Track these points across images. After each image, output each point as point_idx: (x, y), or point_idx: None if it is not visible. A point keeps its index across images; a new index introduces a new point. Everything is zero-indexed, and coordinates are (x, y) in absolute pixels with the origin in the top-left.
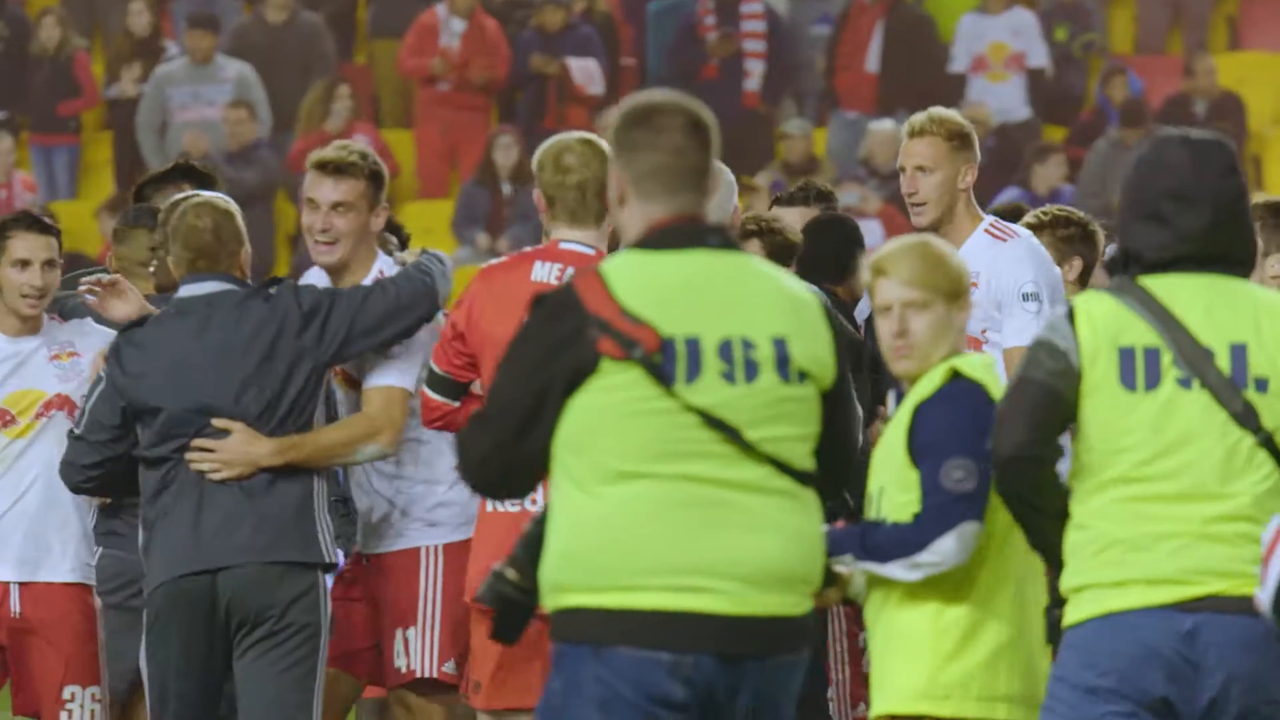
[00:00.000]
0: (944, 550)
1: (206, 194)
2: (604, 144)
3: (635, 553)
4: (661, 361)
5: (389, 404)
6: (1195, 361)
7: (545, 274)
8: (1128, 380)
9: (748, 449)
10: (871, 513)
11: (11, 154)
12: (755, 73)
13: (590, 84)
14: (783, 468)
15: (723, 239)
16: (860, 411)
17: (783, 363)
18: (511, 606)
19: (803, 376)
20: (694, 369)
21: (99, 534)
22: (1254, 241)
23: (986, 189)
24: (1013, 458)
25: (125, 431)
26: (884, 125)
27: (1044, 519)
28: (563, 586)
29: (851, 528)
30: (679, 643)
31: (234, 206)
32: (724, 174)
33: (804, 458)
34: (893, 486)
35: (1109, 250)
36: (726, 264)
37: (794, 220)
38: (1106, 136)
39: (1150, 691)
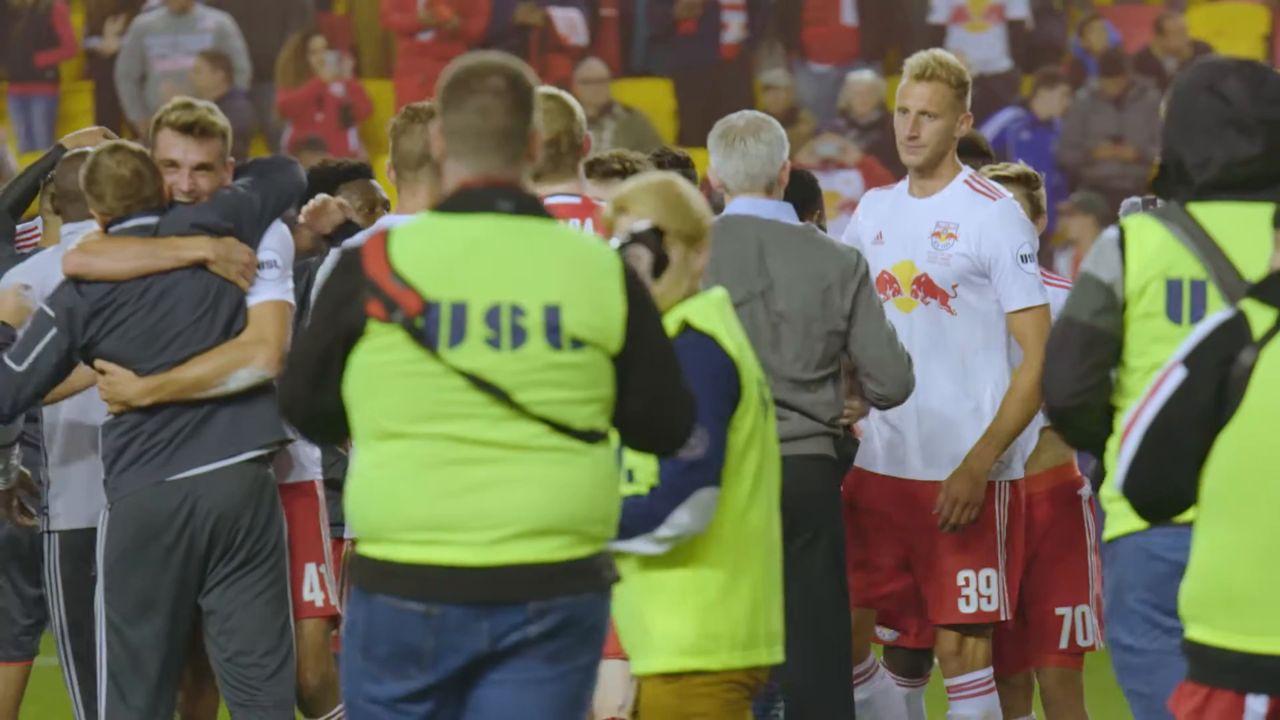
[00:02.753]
0: (680, 523)
1: (114, 141)
2: (569, 97)
3: (393, 508)
4: (424, 325)
5: (262, 323)
6: (1237, 295)
7: None
8: (1174, 314)
9: (518, 410)
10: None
11: None
12: (733, 24)
13: (573, 34)
14: (558, 427)
15: (517, 204)
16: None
17: (553, 330)
18: None
19: (578, 344)
20: (458, 334)
21: None
22: None
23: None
24: (1065, 408)
25: None
26: (863, 76)
27: (1109, 438)
28: (354, 531)
29: None
30: (428, 594)
31: (140, 145)
32: (773, 128)
33: (586, 418)
34: None
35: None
36: (511, 230)
37: None
38: (1087, 87)
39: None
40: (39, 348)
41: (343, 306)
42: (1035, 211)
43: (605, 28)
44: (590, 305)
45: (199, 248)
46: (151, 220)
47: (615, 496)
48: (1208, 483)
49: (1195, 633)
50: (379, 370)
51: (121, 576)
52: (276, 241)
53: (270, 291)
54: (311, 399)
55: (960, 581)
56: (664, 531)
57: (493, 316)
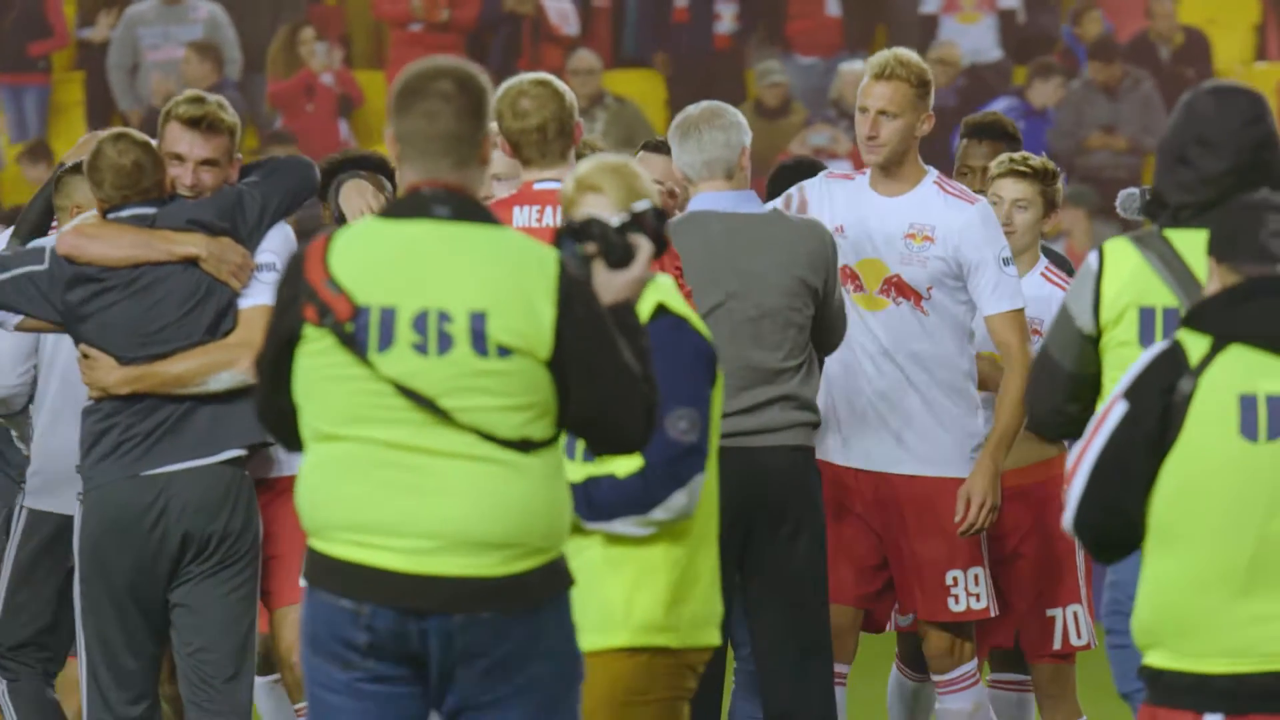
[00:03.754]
0: (678, 506)
1: (119, 129)
2: (559, 83)
3: (326, 508)
4: (354, 330)
5: (251, 326)
6: None
7: (526, 218)
8: (1147, 341)
9: (444, 417)
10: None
11: None
12: (726, 15)
13: (565, 24)
14: (486, 436)
15: (453, 210)
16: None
17: (478, 337)
18: None
19: (504, 351)
20: (386, 339)
21: None
22: None
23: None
24: (1047, 422)
25: None
26: (854, 66)
27: None
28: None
29: (575, 485)
30: (358, 592)
31: (145, 136)
32: (727, 114)
33: (515, 427)
34: None
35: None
36: (444, 235)
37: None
38: (1080, 78)
39: None
40: (17, 270)
41: (285, 310)
42: (1049, 207)
43: (597, 18)
44: (517, 312)
45: (192, 244)
46: (149, 211)
47: (555, 507)
48: (1153, 511)
49: (1151, 659)
50: (314, 374)
51: (93, 568)
52: (278, 244)
53: (264, 295)
54: (270, 402)
55: (949, 581)
56: (658, 514)
57: (420, 322)
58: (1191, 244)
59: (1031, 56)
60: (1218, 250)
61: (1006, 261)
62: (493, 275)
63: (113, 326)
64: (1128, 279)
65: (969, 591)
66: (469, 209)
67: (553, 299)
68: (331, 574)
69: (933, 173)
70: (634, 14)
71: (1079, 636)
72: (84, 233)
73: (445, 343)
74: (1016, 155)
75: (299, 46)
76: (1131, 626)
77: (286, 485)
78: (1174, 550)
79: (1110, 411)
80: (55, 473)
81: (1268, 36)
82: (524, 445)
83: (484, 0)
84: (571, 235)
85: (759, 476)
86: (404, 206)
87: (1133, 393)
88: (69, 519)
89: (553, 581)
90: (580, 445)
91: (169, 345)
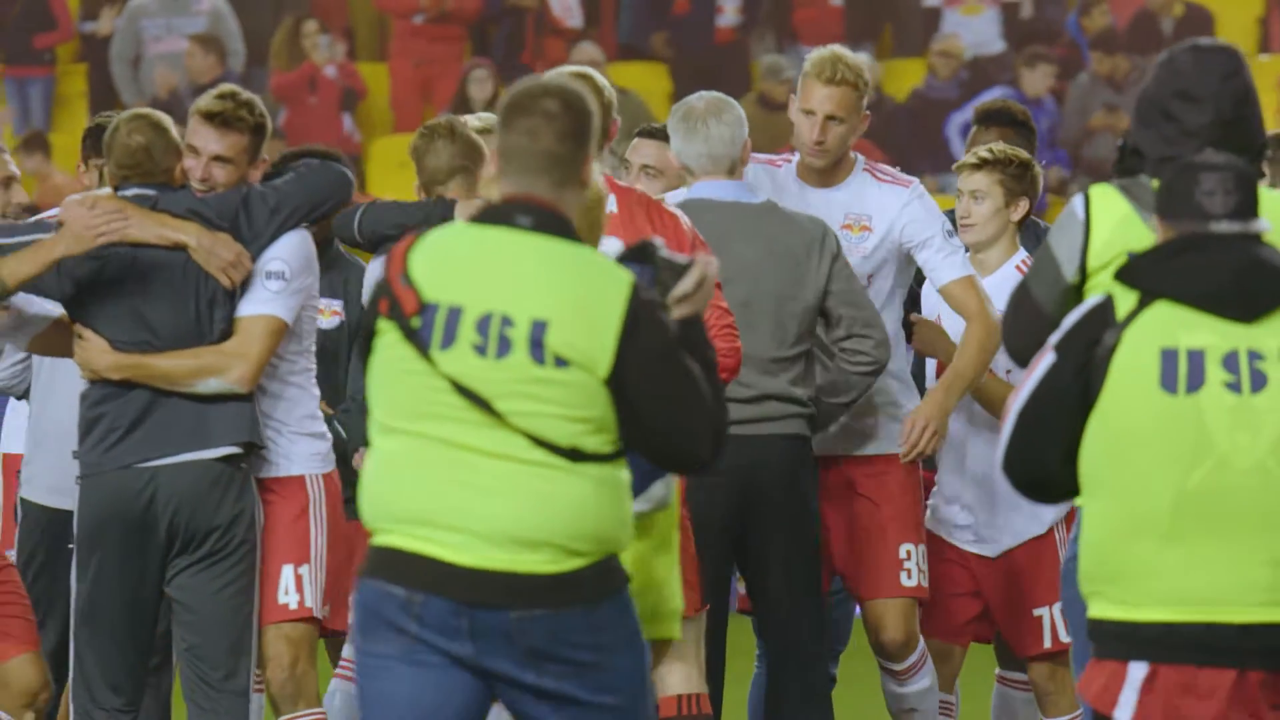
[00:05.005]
0: (656, 497)
1: (142, 109)
2: (600, 78)
3: (385, 501)
4: (419, 326)
5: (249, 336)
6: None
7: None
8: None
9: (498, 418)
10: None
11: None
12: (729, 8)
13: (568, 17)
14: (539, 441)
15: (535, 221)
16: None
17: (536, 345)
18: None
19: (561, 362)
20: (449, 337)
21: None
22: (1260, 143)
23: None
24: (1025, 357)
25: None
26: (859, 59)
27: None
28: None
29: None
30: (410, 580)
31: (167, 120)
32: (733, 108)
33: (569, 436)
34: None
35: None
36: (521, 243)
37: (654, 152)
38: (1087, 70)
39: None
40: (27, 237)
41: (370, 304)
42: (1012, 195)
43: (602, 9)
44: (580, 327)
45: (185, 232)
46: (150, 193)
47: (608, 514)
48: (1084, 462)
49: (1092, 610)
50: (381, 367)
51: (87, 554)
52: (289, 251)
53: (266, 305)
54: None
55: (902, 555)
56: (639, 505)
57: (484, 324)
58: None
59: (1030, 47)
60: (1159, 207)
61: (950, 233)
62: (561, 287)
63: (111, 309)
64: (1115, 226)
65: (919, 567)
66: (551, 222)
67: (619, 320)
68: (385, 564)
69: (861, 160)
70: (629, 6)
71: (1067, 633)
72: (84, 204)
73: (504, 347)
74: (981, 148)
75: (302, 39)
76: (1077, 577)
77: (272, 486)
78: (1101, 499)
79: (1040, 360)
80: (47, 465)
81: (1271, 28)
82: (575, 454)
83: None
84: (632, 258)
85: (754, 465)
86: (490, 213)
87: (1061, 345)
88: (58, 512)
89: (607, 580)
90: None
91: (160, 335)
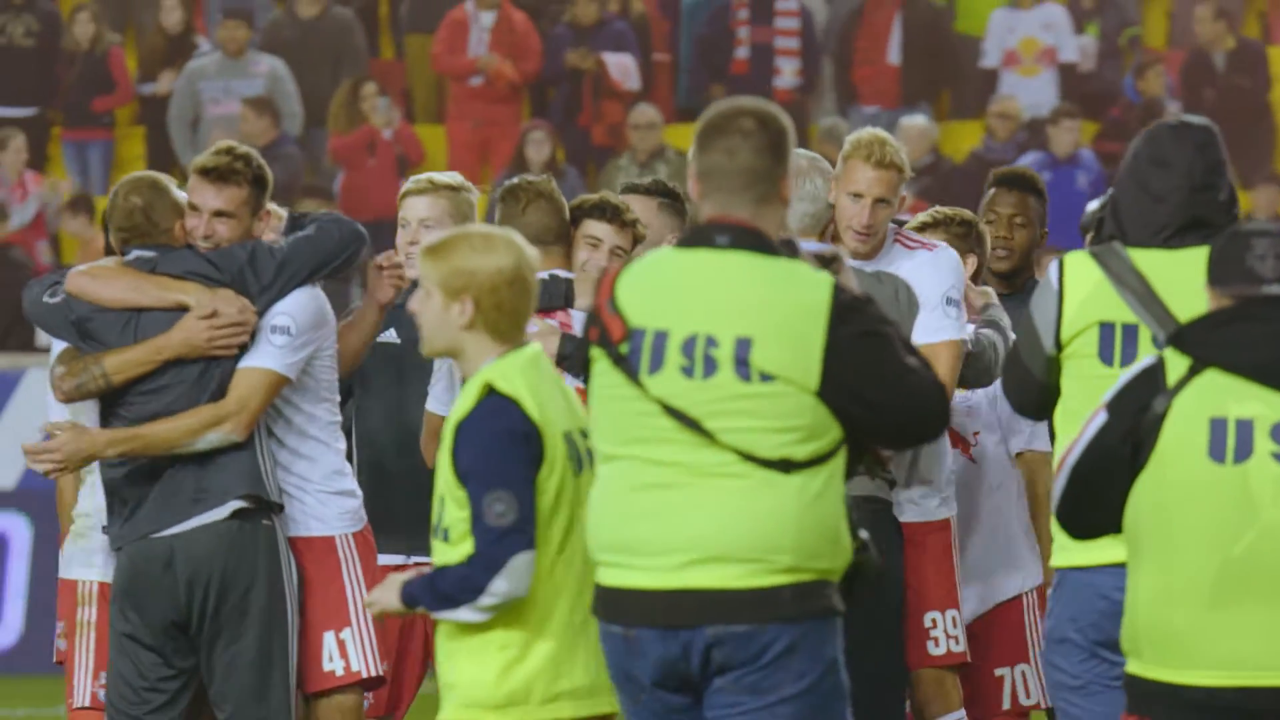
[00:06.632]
0: (500, 590)
1: (144, 172)
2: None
3: (598, 531)
4: (627, 352)
5: (246, 390)
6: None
7: None
8: (1105, 356)
9: (708, 437)
10: (434, 518)
11: (23, 152)
12: (787, 70)
13: (626, 79)
14: (746, 456)
15: (732, 239)
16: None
17: (741, 363)
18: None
19: (766, 377)
20: (657, 361)
21: None
22: (1230, 212)
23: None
24: (1026, 412)
25: None
26: (916, 121)
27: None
28: None
29: (423, 578)
30: (623, 617)
31: (166, 181)
32: (818, 163)
33: (775, 447)
34: (449, 499)
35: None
36: (720, 263)
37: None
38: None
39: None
40: (41, 289)
41: (583, 333)
42: (963, 251)
43: (659, 72)
44: (784, 340)
45: (186, 293)
46: (150, 255)
47: (810, 525)
48: (1129, 524)
49: (1130, 667)
50: (596, 395)
51: (120, 619)
52: (296, 307)
53: (266, 359)
54: None
55: (927, 624)
56: (485, 600)
57: (689, 346)
58: (1152, 262)
59: (1093, 110)
60: (1210, 275)
61: (950, 301)
62: (762, 303)
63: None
64: (1087, 296)
65: (948, 634)
66: (748, 238)
67: (824, 325)
68: (605, 603)
69: (891, 230)
70: (686, 70)
71: (1027, 696)
72: (87, 273)
73: (710, 367)
74: (929, 210)
75: (361, 102)
76: (1121, 634)
77: (303, 547)
78: (1146, 562)
79: (1092, 420)
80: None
81: None
82: (784, 465)
83: (545, 55)
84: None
85: None
86: (692, 237)
87: (1113, 405)
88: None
89: (811, 601)
90: (449, 527)
91: (164, 405)
